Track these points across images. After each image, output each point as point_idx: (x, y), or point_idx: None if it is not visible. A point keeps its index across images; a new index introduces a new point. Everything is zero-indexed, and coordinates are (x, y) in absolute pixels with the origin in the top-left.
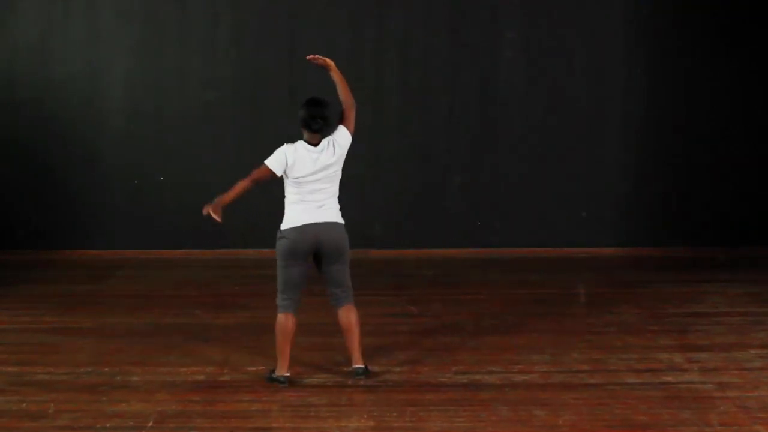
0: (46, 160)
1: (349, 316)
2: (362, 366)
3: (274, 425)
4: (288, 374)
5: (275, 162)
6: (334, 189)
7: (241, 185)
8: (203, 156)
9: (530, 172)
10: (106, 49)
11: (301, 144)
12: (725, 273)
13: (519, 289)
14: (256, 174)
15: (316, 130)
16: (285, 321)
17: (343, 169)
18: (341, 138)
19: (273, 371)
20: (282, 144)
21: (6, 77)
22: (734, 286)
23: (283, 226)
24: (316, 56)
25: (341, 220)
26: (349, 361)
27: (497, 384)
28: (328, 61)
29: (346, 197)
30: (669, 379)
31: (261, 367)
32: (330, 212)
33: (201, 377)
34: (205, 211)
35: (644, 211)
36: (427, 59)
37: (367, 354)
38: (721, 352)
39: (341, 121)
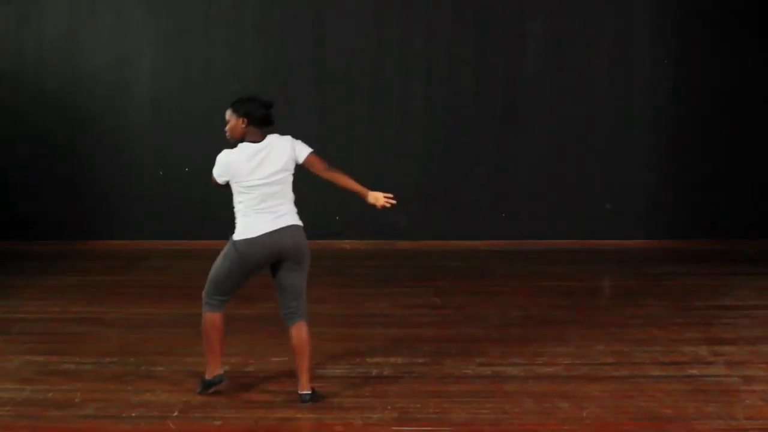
0: (73, 151)
1: (301, 334)
2: (309, 392)
3: (298, 416)
4: (221, 372)
5: None
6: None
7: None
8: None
9: (556, 163)
10: (133, 41)
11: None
12: (752, 266)
13: (544, 281)
14: None
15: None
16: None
17: (373, 159)
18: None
19: (203, 379)
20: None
21: (34, 69)
22: (761, 279)
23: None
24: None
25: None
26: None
27: (521, 376)
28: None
29: (374, 188)
30: (694, 372)
31: (285, 358)
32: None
33: (226, 367)
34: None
35: (671, 203)
36: (452, 50)
37: (391, 345)
38: (746, 346)
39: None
